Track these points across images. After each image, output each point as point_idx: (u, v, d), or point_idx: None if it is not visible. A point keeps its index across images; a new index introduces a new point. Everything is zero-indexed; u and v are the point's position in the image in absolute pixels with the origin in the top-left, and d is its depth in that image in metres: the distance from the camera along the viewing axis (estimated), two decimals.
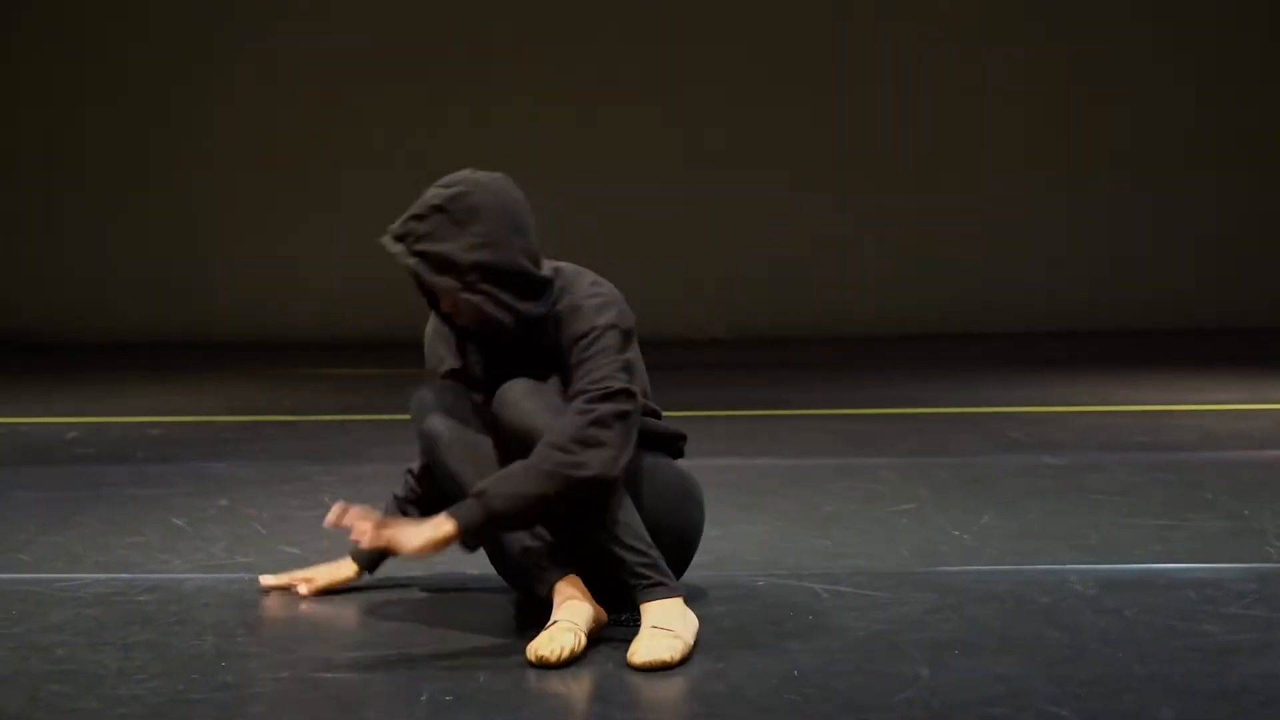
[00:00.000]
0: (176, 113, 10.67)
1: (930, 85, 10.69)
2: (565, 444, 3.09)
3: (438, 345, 3.43)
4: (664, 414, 3.48)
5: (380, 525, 3.08)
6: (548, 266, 3.33)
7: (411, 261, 3.20)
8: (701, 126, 10.66)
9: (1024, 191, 10.72)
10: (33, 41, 10.64)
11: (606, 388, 3.15)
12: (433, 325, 3.45)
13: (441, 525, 3.07)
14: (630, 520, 3.17)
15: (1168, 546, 4.06)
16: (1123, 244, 10.66)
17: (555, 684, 2.96)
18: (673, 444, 3.46)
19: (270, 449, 5.87)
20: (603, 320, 3.24)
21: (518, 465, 3.11)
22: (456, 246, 3.18)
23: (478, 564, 3.51)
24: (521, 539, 3.21)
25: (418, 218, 3.22)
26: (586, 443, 3.09)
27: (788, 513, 4.57)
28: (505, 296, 3.21)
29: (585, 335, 3.23)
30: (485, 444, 3.26)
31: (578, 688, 2.95)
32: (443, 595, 3.61)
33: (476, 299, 3.20)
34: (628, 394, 3.17)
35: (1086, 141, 10.73)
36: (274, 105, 10.69)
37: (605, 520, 3.14)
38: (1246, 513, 4.48)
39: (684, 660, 3.05)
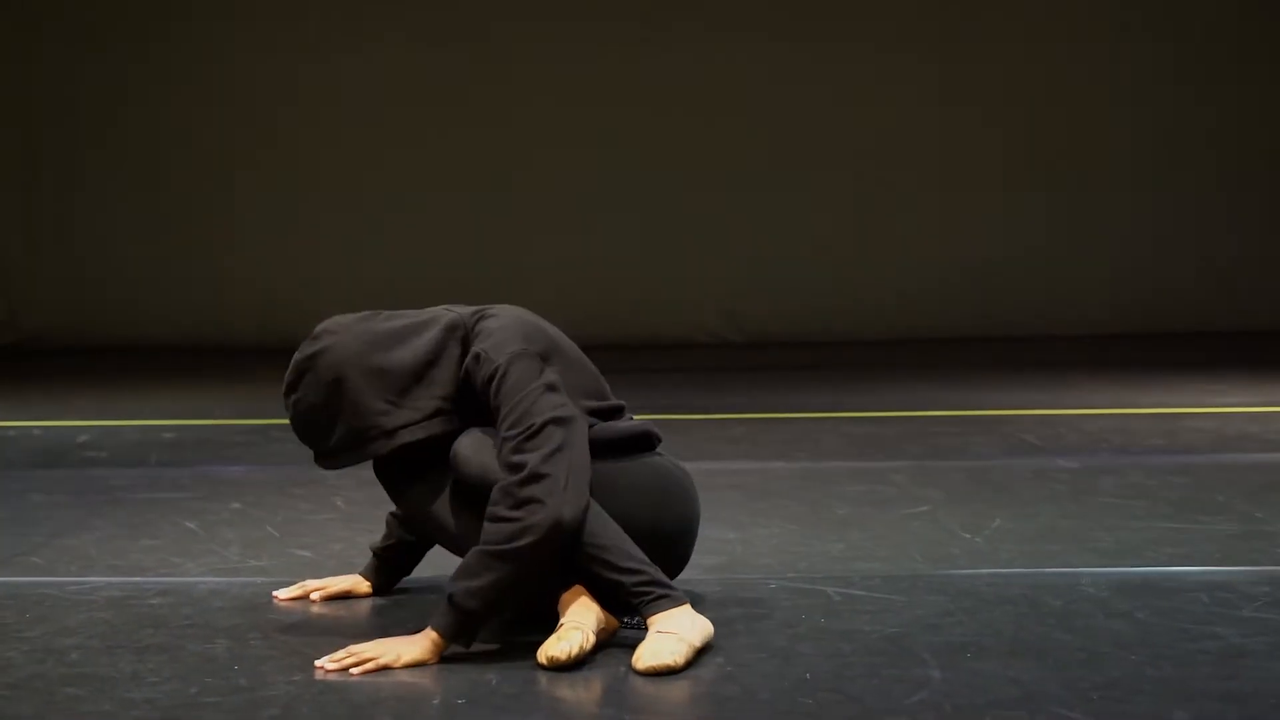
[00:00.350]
0: (187, 115, 10.68)
1: (943, 89, 10.67)
2: (505, 513, 3.05)
3: None
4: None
5: (370, 654, 3.07)
6: (442, 320, 3.30)
7: (325, 466, 3.31)
8: (711, 129, 10.65)
9: (1036, 195, 10.69)
10: (38, 45, 10.65)
11: (529, 427, 3.09)
12: None
13: (429, 634, 3.09)
14: (615, 542, 3.13)
15: (1180, 549, 4.05)
16: (1135, 246, 10.63)
17: (567, 687, 2.96)
18: (640, 441, 3.37)
19: (282, 452, 5.87)
20: (502, 357, 3.19)
21: (472, 554, 3.07)
22: (332, 441, 3.27)
23: None
24: None
25: (304, 440, 3.32)
26: (524, 503, 3.04)
27: (800, 516, 4.57)
28: (390, 424, 3.23)
29: (491, 379, 3.18)
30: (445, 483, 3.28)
31: (589, 691, 2.95)
32: None
33: (378, 445, 3.24)
34: (556, 421, 3.10)
35: (1100, 145, 10.70)
36: (285, 108, 10.69)
37: (590, 551, 3.11)
38: (1259, 515, 4.48)
39: (690, 663, 3.05)
